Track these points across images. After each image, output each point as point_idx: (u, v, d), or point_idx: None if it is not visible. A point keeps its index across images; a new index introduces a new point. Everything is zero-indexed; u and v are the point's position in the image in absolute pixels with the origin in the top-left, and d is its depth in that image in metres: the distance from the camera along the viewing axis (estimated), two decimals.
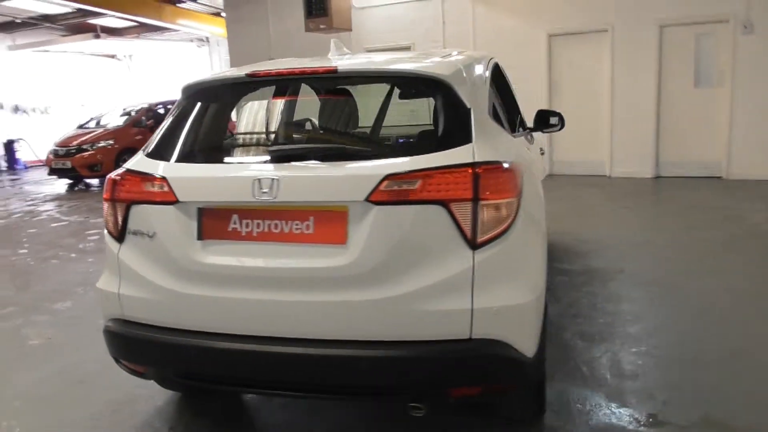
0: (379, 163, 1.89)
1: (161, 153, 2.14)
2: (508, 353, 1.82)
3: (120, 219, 2.07)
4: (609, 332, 3.03)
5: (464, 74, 2.09)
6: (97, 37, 13.66)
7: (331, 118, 2.69)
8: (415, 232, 1.81)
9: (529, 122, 3.45)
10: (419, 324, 1.81)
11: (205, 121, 2.29)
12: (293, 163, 1.96)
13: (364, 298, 1.82)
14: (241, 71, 2.18)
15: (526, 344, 1.88)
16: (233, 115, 2.61)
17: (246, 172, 2.01)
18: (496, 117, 2.26)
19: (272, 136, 2.55)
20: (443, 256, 1.80)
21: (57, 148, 10.43)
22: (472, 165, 1.82)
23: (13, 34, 13.94)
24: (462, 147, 1.88)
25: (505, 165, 1.87)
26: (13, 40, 14.29)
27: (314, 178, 1.91)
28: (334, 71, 2.11)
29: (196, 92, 2.27)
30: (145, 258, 2.03)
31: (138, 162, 2.15)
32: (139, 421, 2.42)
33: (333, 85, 2.56)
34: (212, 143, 2.32)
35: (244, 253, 1.95)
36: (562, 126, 3.50)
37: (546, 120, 3.43)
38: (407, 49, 8.81)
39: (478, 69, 2.35)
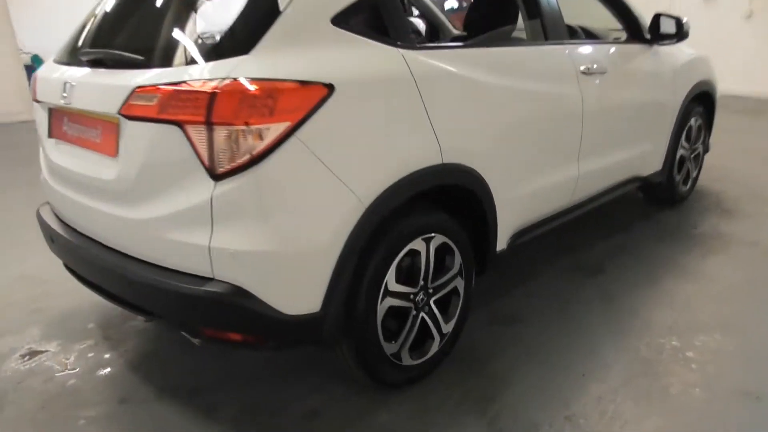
0: (138, 73, 1.78)
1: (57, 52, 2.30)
2: (251, 304, 1.67)
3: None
4: None
5: None
6: None
7: (144, 19, 2.12)
8: (162, 155, 1.71)
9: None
10: (169, 251, 1.76)
11: (85, 21, 2.28)
12: (88, 69, 2.00)
13: (127, 215, 1.83)
14: None
15: (280, 299, 1.70)
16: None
17: (58, 75, 2.12)
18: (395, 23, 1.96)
19: (89, 37, 2.20)
20: (187, 183, 1.67)
21: None
22: (221, 80, 1.59)
23: None
24: (229, 59, 1.65)
25: (269, 84, 1.60)
26: None
27: (90, 86, 1.95)
28: None
29: None
30: (42, 152, 2.31)
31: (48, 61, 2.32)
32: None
33: None
34: (75, 44, 2.22)
35: (68, 154, 2.10)
36: (682, 36, 3.14)
37: (659, 27, 3.10)
38: None
39: None
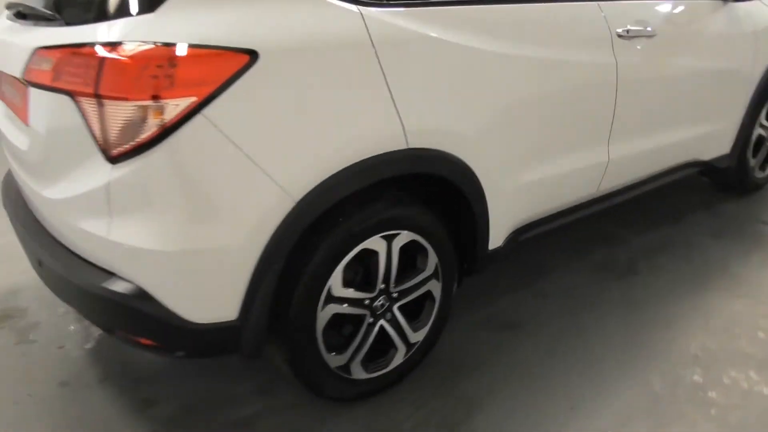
0: (44, 32, 1.56)
1: None
2: (151, 309, 1.45)
3: None
4: None
5: None
6: None
7: None
8: (63, 129, 1.47)
9: None
10: (78, 239, 1.54)
11: None
12: (12, 23, 1.78)
13: (41, 192, 1.64)
14: None
15: (184, 305, 1.47)
16: None
17: None
18: None
19: None
20: (87, 164, 1.43)
21: None
22: (113, 45, 1.31)
23: None
24: (129, 19, 1.36)
25: (170, 51, 1.30)
26: None
27: (6, 43, 1.72)
28: None
29: None
30: None
31: None
32: None
33: None
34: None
35: (6, 117, 1.89)
36: None
37: None
38: None
39: None
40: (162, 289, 1.46)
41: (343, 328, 1.82)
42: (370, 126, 1.59)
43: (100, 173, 1.42)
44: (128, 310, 1.47)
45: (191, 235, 1.43)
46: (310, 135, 1.50)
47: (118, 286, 1.46)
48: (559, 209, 2.33)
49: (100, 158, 1.40)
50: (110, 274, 1.49)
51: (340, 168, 1.55)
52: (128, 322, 1.53)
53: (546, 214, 2.28)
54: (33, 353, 2.18)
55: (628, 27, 2.21)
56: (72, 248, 1.60)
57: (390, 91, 1.60)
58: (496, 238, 2.07)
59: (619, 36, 2.18)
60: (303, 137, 1.49)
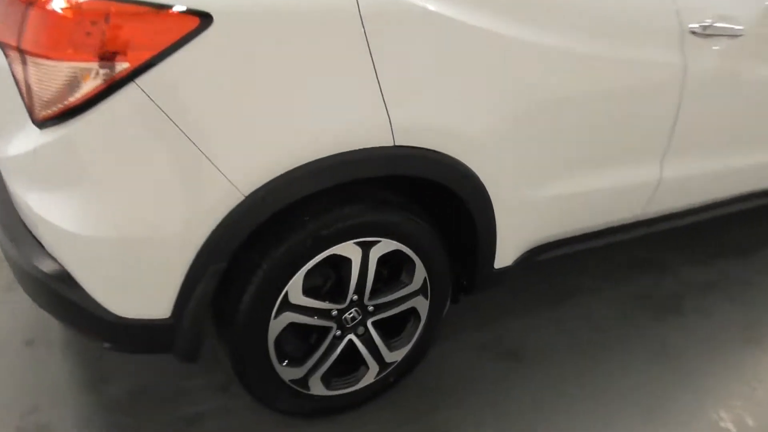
0: None
1: None
2: (75, 297, 1.29)
3: None
4: None
5: None
6: None
7: None
8: (4, 81, 1.28)
9: None
10: (19, 205, 1.39)
11: None
12: None
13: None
14: None
15: (110, 297, 1.31)
16: None
17: None
18: None
19: None
20: (23, 123, 1.24)
21: None
22: None
23: None
24: None
25: (105, 6, 1.11)
26: None
27: None
28: None
29: None
30: None
31: None
32: None
33: None
34: None
35: None
36: None
37: None
38: None
39: None
40: (85, 276, 1.30)
41: (305, 337, 1.62)
42: (348, 116, 1.34)
43: (31, 137, 1.25)
44: (53, 293, 1.32)
45: (116, 221, 1.25)
46: (270, 120, 1.27)
47: (47, 266, 1.32)
48: (591, 229, 2.00)
49: (29, 120, 1.24)
50: (44, 251, 1.35)
51: (305, 162, 1.31)
52: (57, 305, 1.38)
53: (575, 234, 1.96)
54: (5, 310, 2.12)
55: (707, 22, 1.81)
56: (21, 215, 1.47)
57: (376, 74, 1.33)
58: (504, 256, 1.78)
59: (693, 32, 1.79)
60: (260, 122, 1.26)
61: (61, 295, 1.31)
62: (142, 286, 1.32)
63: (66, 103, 1.16)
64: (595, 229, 1.99)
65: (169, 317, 1.35)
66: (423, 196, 1.65)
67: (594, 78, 1.67)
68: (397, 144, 1.40)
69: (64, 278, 1.30)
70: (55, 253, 1.31)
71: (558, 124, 1.66)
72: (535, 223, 1.80)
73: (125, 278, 1.31)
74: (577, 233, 1.96)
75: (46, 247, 1.34)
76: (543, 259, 1.93)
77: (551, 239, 1.91)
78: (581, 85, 1.65)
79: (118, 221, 1.24)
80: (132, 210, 1.24)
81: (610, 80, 1.70)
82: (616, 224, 2.04)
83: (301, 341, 1.61)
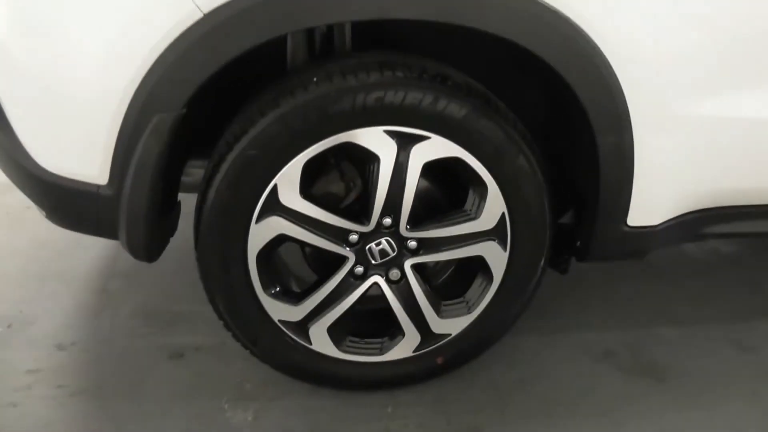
0: None
1: None
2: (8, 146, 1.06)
3: None
4: None
5: None
6: None
7: None
8: None
9: None
10: None
11: None
12: None
13: None
14: None
15: (33, 141, 1.03)
16: None
17: None
18: None
19: None
20: None
21: None
22: None
23: None
24: None
25: None
26: None
27: None
28: None
29: None
30: None
31: None
32: None
33: None
34: None
35: None
36: None
37: None
38: None
39: None
40: (14, 113, 1.02)
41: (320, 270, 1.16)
42: None
43: None
44: None
45: (36, 57, 0.97)
46: None
47: None
48: None
49: None
50: None
51: None
52: None
53: (762, 201, 1.21)
54: None
55: None
56: None
57: None
58: (645, 209, 1.13)
59: None
60: None
61: None
62: (67, 135, 0.99)
63: None
64: None
65: (106, 185, 0.99)
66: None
67: None
68: None
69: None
70: None
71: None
72: (699, 164, 1.12)
73: (50, 120, 0.99)
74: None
75: None
76: (713, 233, 1.23)
77: (732, 202, 1.19)
78: None
79: (40, 60, 0.97)
80: (54, 51, 0.95)
81: None
82: None
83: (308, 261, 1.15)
